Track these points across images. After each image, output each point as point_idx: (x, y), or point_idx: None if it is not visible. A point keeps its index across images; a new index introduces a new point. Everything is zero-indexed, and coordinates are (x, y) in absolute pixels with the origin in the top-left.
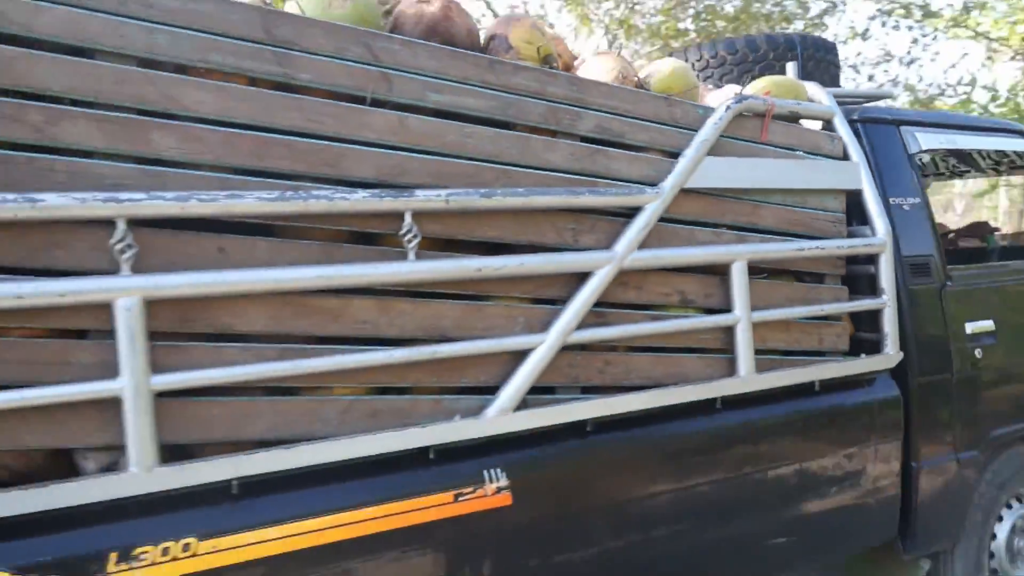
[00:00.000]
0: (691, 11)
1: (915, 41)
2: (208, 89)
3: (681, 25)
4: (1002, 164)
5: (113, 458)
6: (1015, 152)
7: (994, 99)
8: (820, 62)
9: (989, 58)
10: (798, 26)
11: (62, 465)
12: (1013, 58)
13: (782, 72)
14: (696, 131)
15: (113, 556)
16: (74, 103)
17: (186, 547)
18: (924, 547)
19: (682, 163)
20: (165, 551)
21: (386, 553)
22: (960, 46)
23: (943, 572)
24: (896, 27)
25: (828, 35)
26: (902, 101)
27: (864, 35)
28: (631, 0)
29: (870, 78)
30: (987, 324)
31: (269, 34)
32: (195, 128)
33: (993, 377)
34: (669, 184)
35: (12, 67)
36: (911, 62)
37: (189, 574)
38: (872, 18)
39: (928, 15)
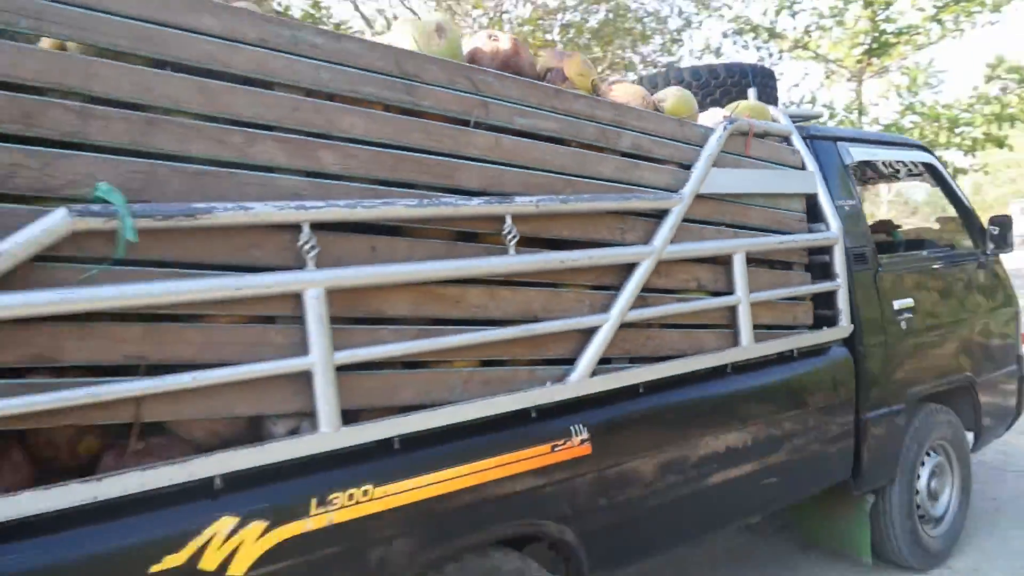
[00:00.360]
0: (558, 23)
1: (762, 60)
2: (358, 115)
3: (548, 36)
4: (900, 172)
5: (297, 423)
6: (912, 161)
7: (832, 116)
8: (764, 87)
9: (828, 78)
10: (656, 41)
11: (254, 432)
12: (849, 79)
13: (739, 96)
14: (702, 147)
15: (313, 501)
16: (261, 127)
17: (365, 492)
18: (870, 484)
19: (695, 173)
20: (350, 496)
21: (505, 493)
22: (802, 66)
23: (883, 506)
24: (746, 46)
25: (684, 51)
26: None
27: (717, 52)
28: (500, 8)
29: None
30: (908, 301)
31: (399, 68)
32: (350, 147)
33: (912, 345)
34: (688, 190)
35: (217, 98)
36: None
37: (368, 515)
38: (725, 36)
39: (773, 36)
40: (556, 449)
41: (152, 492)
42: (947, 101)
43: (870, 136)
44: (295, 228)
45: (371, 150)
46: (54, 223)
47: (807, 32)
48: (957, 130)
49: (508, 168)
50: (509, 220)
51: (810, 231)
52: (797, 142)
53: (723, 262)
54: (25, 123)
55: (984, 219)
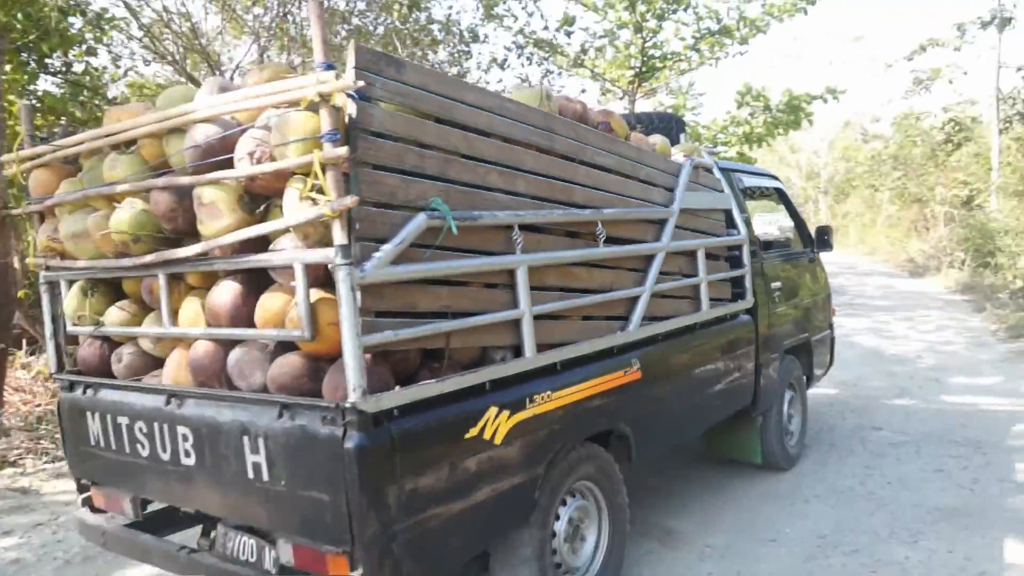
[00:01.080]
0: (343, 29)
1: (547, 74)
2: (529, 154)
3: (336, 39)
4: (765, 193)
5: (506, 354)
6: (770, 186)
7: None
8: (679, 131)
9: (604, 94)
10: (444, 52)
11: (484, 358)
12: (621, 98)
13: (665, 135)
14: (678, 176)
15: (527, 400)
16: (490, 163)
17: (546, 396)
18: (762, 409)
19: (678, 194)
20: (545, 397)
21: (601, 402)
22: (581, 83)
23: (768, 423)
24: (530, 60)
25: (472, 64)
26: None
27: (503, 65)
28: (283, 8)
29: None
30: (778, 284)
31: (545, 124)
32: (528, 176)
33: (781, 313)
34: (676, 206)
35: (472, 144)
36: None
37: (548, 410)
38: (509, 50)
39: (555, 51)
40: (626, 374)
41: (456, 391)
42: (707, 122)
43: (748, 168)
44: (510, 228)
45: (535, 178)
46: (420, 223)
47: (583, 50)
48: (716, 148)
49: (592, 190)
50: (600, 225)
51: (728, 235)
52: (717, 173)
53: (690, 254)
54: (397, 161)
55: (812, 229)
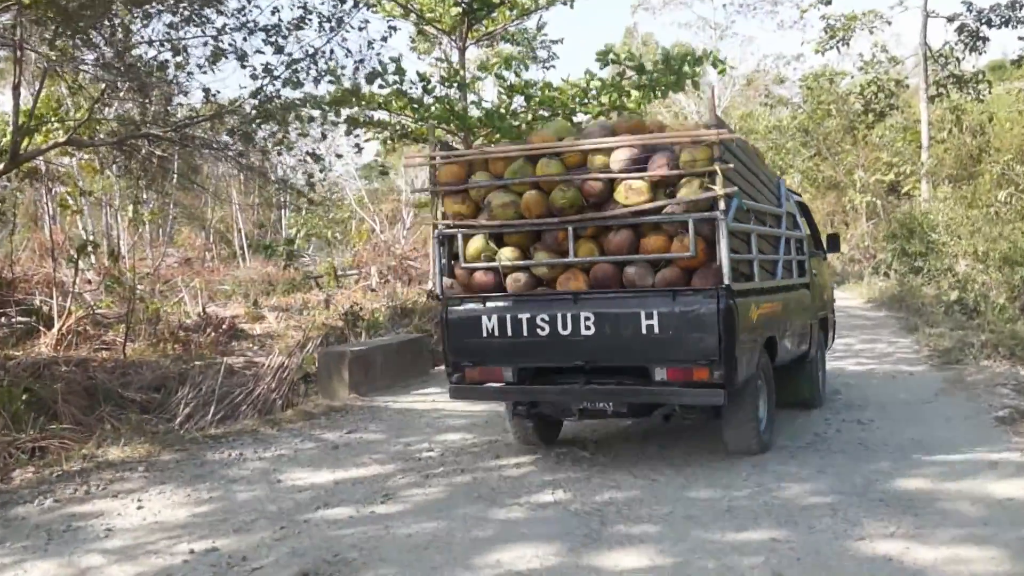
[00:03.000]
0: None
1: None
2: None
3: None
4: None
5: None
6: (797, 201)
7: (428, 91)
8: None
9: (420, 35)
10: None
11: (749, 274)
12: (448, 43)
13: None
14: (778, 184)
15: (759, 303)
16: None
17: (762, 304)
18: (813, 355)
19: (783, 199)
20: (763, 304)
21: (770, 318)
22: (387, 24)
23: (814, 372)
24: None
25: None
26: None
27: None
28: None
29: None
30: (814, 271)
31: (757, 160)
32: (760, 184)
33: (817, 292)
34: (785, 208)
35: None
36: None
37: (763, 312)
38: None
39: None
40: (776, 304)
41: (746, 289)
42: (563, 80)
43: (791, 191)
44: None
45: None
46: (738, 203)
47: None
48: (575, 118)
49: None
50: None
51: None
52: (783, 188)
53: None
54: (731, 173)
55: (824, 235)
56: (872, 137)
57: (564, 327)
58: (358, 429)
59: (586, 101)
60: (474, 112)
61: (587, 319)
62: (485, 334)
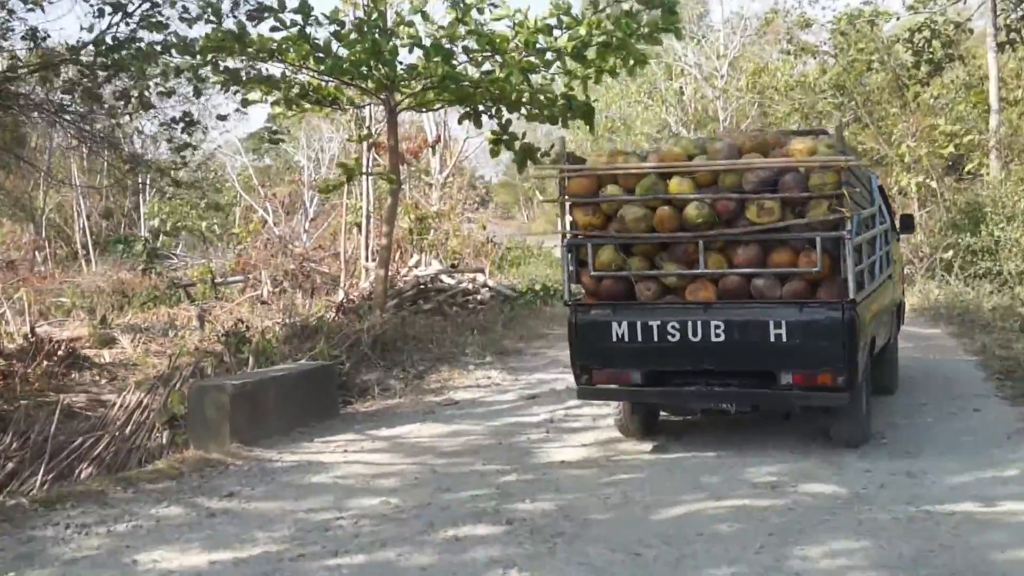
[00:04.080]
0: None
1: None
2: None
3: None
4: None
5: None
6: (878, 186)
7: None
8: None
9: None
10: None
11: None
12: None
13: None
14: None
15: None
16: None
17: (873, 300)
18: (894, 341)
19: (875, 194)
20: (870, 306)
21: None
22: None
23: (895, 359)
24: None
25: None
26: None
27: None
28: None
29: None
30: (894, 258)
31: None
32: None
33: (896, 280)
34: (876, 204)
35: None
36: None
37: (873, 308)
38: None
39: None
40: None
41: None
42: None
43: (874, 177)
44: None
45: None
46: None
47: None
48: (534, 77)
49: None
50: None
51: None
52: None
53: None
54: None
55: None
56: (925, 98)
57: (694, 334)
58: (243, 491)
59: (545, 49)
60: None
61: (717, 327)
62: (615, 339)
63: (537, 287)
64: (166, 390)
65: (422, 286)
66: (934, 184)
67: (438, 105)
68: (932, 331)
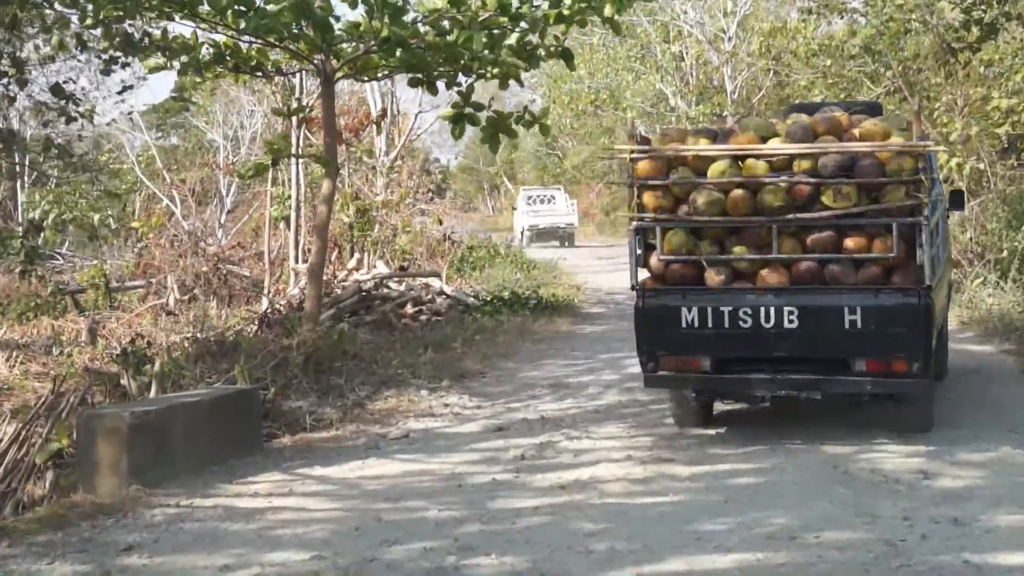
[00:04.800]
0: None
1: None
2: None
3: None
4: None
5: None
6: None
7: None
8: (878, 115)
9: None
10: None
11: None
12: None
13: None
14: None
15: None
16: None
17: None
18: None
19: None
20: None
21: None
22: None
23: (945, 342)
24: None
25: None
26: None
27: None
28: None
29: None
30: (949, 227)
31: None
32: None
33: (949, 258)
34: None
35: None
36: None
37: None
38: None
39: None
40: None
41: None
42: None
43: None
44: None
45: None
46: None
47: None
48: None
49: None
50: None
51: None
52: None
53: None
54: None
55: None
56: (976, 66)
57: (767, 320)
58: (144, 544)
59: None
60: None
61: (791, 312)
62: (684, 325)
63: (505, 294)
64: (49, 421)
65: (364, 293)
66: (987, 168)
67: (384, 73)
68: (983, 349)
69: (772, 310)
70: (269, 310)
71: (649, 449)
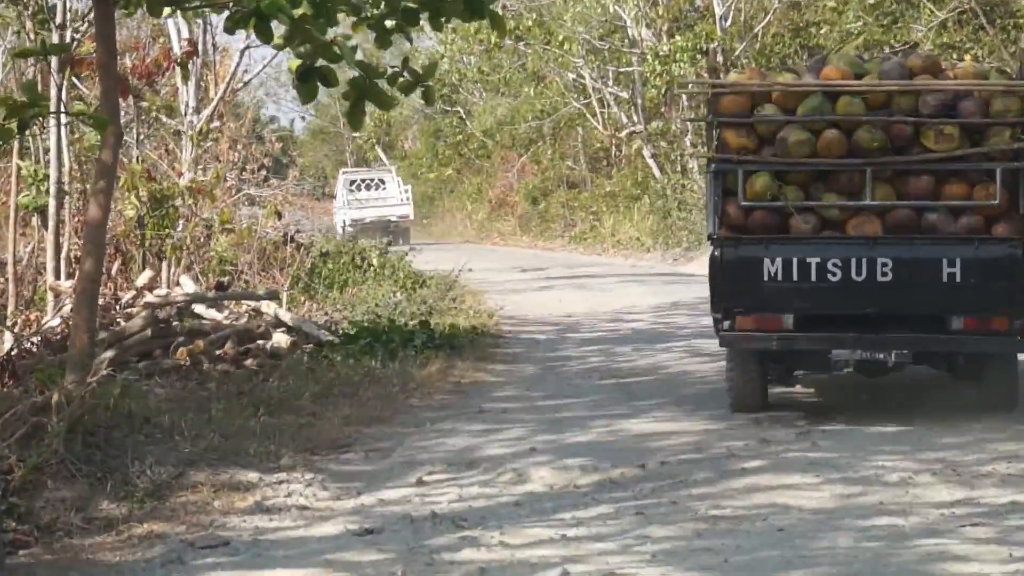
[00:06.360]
0: None
1: None
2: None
3: None
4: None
5: None
6: None
7: None
8: None
9: None
10: None
11: None
12: None
13: None
14: None
15: None
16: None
17: None
18: None
19: None
20: None
21: None
22: None
23: None
24: None
25: None
26: None
27: None
28: None
29: None
30: None
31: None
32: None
33: None
34: None
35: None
36: None
37: None
38: None
39: None
40: None
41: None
42: None
43: None
44: None
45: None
46: None
47: None
48: None
49: None
50: None
51: None
52: None
53: None
54: None
55: None
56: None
57: (858, 273)
58: None
59: None
60: None
61: (884, 265)
62: (766, 278)
63: (382, 324)
64: None
65: (162, 325)
66: None
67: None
68: None
69: (864, 262)
70: (14, 351)
71: (598, 556)
